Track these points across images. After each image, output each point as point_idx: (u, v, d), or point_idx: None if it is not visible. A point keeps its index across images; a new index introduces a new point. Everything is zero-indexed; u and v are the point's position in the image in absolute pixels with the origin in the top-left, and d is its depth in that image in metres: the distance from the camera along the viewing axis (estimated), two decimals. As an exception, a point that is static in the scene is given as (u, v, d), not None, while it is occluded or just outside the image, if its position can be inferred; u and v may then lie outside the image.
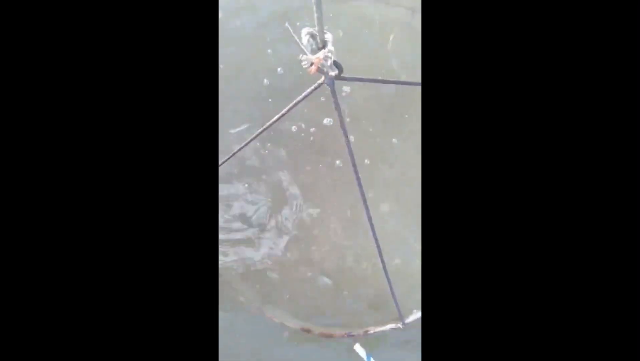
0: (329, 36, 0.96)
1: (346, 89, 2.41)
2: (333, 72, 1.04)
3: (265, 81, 2.41)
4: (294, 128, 2.37)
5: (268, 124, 1.44)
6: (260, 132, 1.51)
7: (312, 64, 0.97)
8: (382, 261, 1.73)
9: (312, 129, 2.37)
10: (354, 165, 1.41)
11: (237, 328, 2.28)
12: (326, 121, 2.33)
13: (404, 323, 2.04)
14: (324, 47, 0.95)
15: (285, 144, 2.38)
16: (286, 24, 1.60)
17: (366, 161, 2.37)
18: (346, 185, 2.33)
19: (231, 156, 1.72)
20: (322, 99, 2.27)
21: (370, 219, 1.55)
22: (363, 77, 1.38)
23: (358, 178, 1.44)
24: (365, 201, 1.50)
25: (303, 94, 1.23)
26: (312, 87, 1.18)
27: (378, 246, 1.68)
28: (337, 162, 2.35)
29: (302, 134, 2.39)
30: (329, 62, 0.99)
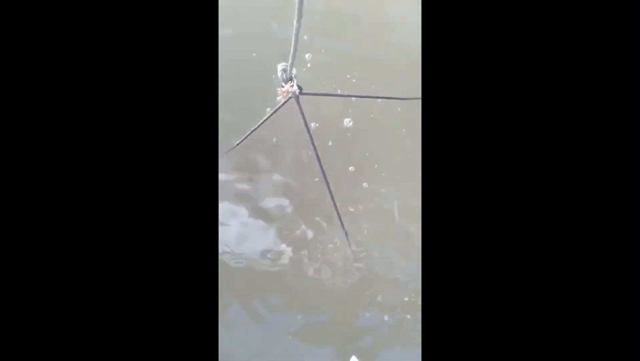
0: (294, 71, 1.61)
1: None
2: (297, 91, 1.69)
3: (267, 109, 2.78)
4: (313, 125, 2.59)
5: (252, 129, 2.06)
6: (244, 139, 2.10)
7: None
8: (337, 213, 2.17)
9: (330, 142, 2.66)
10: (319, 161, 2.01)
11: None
12: (346, 121, 2.65)
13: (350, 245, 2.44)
14: (291, 79, 1.60)
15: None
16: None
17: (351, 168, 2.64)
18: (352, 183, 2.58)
19: (228, 150, 2.31)
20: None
21: (326, 181, 2.09)
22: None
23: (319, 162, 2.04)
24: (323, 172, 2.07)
25: (279, 105, 1.86)
26: (286, 99, 1.81)
27: (333, 200, 2.10)
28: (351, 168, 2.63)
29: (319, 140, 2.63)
30: (294, 87, 1.64)
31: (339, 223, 2.20)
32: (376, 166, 2.60)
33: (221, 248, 2.50)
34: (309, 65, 2.74)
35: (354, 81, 2.76)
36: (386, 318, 2.40)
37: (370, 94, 2.65)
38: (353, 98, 2.67)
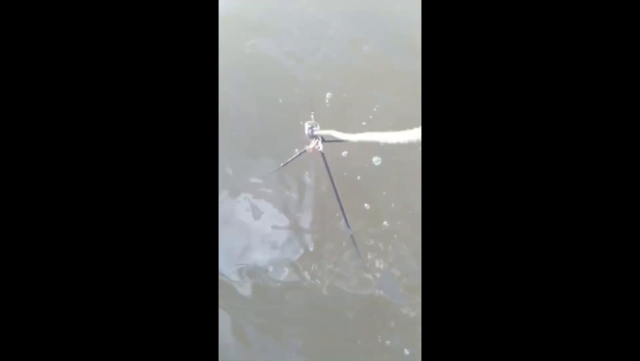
0: (317, 128, 1.81)
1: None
2: (320, 149, 1.89)
3: (295, 150, 2.83)
4: (344, 153, 2.78)
5: (274, 170, 2.25)
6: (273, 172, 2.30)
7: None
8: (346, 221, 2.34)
9: (358, 177, 2.80)
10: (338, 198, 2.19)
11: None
12: (375, 159, 2.78)
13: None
14: (315, 137, 1.80)
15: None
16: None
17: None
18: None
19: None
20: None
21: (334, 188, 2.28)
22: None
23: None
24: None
25: (301, 150, 2.06)
26: (307, 148, 2.02)
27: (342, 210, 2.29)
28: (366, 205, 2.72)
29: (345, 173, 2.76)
30: (319, 147, 1.85)
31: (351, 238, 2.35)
32: (393, 205, 2.74)
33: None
34: (327, 102, 2.95)
35: (375, 109, 2.93)
36: (407, 351, 2.49)
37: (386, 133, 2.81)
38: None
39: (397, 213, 2.70)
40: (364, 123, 2.88)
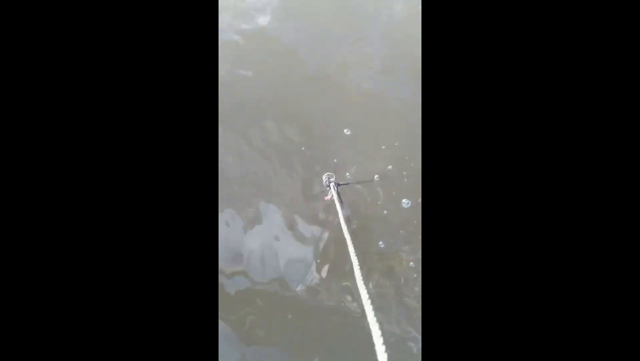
0: (333, 179, 2.07)
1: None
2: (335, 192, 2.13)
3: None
4: (376, 177, 2.87)
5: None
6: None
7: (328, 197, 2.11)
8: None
9: (385, 211, 2.89)
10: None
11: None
12: (404, 201, 2.88)
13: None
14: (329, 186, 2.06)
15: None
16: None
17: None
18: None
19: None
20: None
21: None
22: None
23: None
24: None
25: (327, 189, 2.31)
26: (326, 198, 2.27)
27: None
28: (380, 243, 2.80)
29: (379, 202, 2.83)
30: (334, 195, 2.09)
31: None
32: (407, 247, 2.82)
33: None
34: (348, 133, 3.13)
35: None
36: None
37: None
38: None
39: (409, 256, 2.77)
40: (383, 147, 3.00)
